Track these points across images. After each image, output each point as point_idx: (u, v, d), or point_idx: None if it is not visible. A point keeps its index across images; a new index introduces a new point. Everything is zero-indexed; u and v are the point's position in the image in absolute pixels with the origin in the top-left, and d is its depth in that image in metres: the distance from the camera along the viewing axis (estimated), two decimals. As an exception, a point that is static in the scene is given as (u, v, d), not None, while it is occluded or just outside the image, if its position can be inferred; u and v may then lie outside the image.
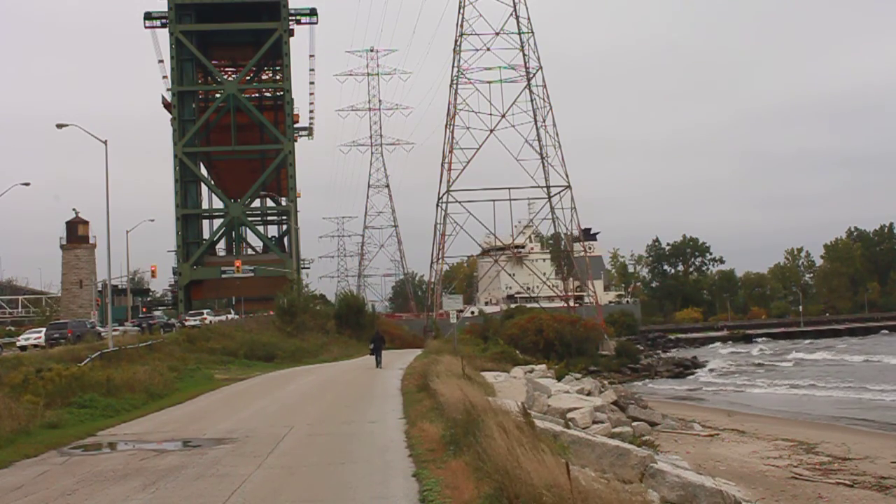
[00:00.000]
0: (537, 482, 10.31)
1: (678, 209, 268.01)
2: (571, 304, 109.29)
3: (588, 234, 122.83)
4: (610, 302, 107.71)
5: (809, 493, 22.31)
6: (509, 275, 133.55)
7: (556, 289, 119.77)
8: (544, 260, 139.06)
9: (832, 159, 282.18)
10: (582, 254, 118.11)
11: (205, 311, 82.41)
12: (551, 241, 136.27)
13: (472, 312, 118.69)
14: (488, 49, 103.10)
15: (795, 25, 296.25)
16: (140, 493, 14.10)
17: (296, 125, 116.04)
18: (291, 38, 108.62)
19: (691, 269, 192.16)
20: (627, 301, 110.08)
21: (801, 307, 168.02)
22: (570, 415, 28.83)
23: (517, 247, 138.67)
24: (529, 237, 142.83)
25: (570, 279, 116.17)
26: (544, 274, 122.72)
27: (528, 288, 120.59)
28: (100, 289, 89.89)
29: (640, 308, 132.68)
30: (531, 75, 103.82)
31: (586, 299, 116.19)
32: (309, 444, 18.78)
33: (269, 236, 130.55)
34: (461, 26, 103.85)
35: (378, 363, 41.86)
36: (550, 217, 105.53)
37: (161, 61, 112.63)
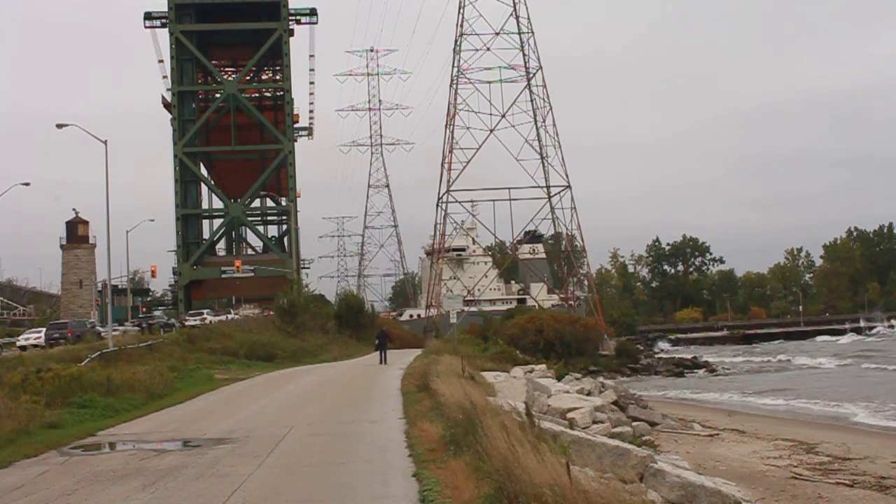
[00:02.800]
0: (538, 482, 10.31)
1: (678, 209, 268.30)
2: (569, 304, 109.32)
3: (534, 237, 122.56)
4: (553, 305, 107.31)
5: (809, 493, 22.29)
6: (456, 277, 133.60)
7: (499, 291, 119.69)
8: (486, 263, 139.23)
9: (832, 159, 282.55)
10: (528, 256, 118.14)
11: (205, 311, 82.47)
12: (494, 247, 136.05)
13: (411, 315, 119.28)
14: (488, 49, 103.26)
15: (793, 24, 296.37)
16: (140, 493, 14.09)
17: (296, 125, 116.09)
18: (291, 38, 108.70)
19: (691, 269, 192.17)
20: (571, 304, 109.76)
21: (801, 307, 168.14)
22: (570, 415, 28.83)
23: (457, 249, 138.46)
24: (472, 239, 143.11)
25: (570, 279, 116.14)
26: (485, 276, 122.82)
27: (470, 291, 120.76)
28: (100, 289, 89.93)
29: (585, 310, 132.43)
30: (531, 75, 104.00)
31: (529, 302, 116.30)
32: (309, 444, 18.78)
33: (269, 236, 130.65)
34: (461, 26, 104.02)
35: (383, 359, 44.16)
36: (551, 217, 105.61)
37: (161, 61, 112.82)
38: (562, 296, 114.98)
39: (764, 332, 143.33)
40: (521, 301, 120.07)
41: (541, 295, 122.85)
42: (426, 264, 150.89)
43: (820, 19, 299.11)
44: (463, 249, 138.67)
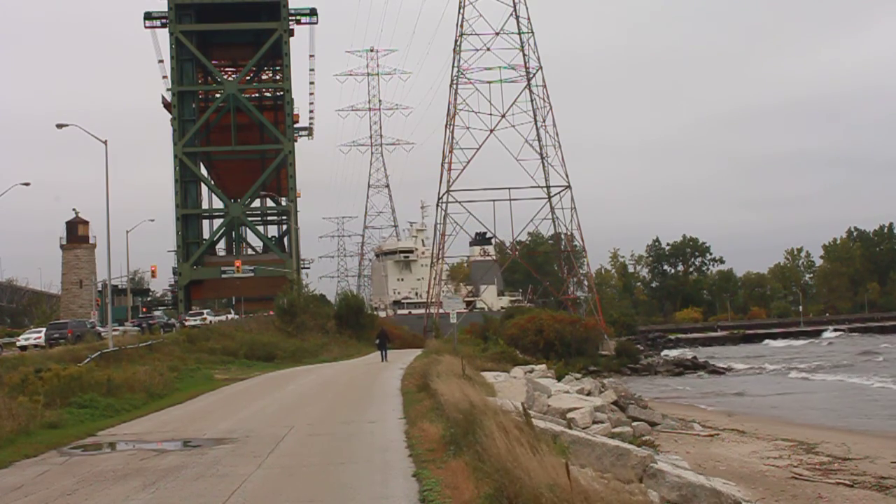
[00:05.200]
0: (537, 482, 10.31)
1: (678, 209, 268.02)
2: (571, 304, 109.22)
3: (483, 238, 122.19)
4: (502, 308, 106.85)
5: (809, 493, 22.29)
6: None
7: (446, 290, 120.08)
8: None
9: (832, 158, 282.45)
10: (478, 258, 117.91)
11: (205, 311, 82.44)
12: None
13: None
14: (488, 49, 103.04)
15: (792, 21, 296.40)
16: (140, 493, 14.10)
17: (296, 125, 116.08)
18: (291, 38, 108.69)
19: (691, 270, 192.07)
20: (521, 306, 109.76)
21: (801, 307, 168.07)
22: (570, 415, 28.84)
23: (404, 251, 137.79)
24: (422, 241, 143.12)
25: (570, 279, 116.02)
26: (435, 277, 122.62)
27: (417, 293, 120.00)
28: (100, 289, 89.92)
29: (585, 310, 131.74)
30: (531, 75, 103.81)
31: (478, 304, 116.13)
32: (309, 444, 18.79)
33: (269, 236, 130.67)
34: (461, 26, 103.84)
35: (384, 357, 47.39)
36: (551, 217, 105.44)
37: (161, 61, 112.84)
38: (515, 298, 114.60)
39: (764, 332, 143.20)
40: (469, 303, 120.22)
41: (491, 297, 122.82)
42: (377, 266, 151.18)
43: (814, 19, 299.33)
44: (411, 251, 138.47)
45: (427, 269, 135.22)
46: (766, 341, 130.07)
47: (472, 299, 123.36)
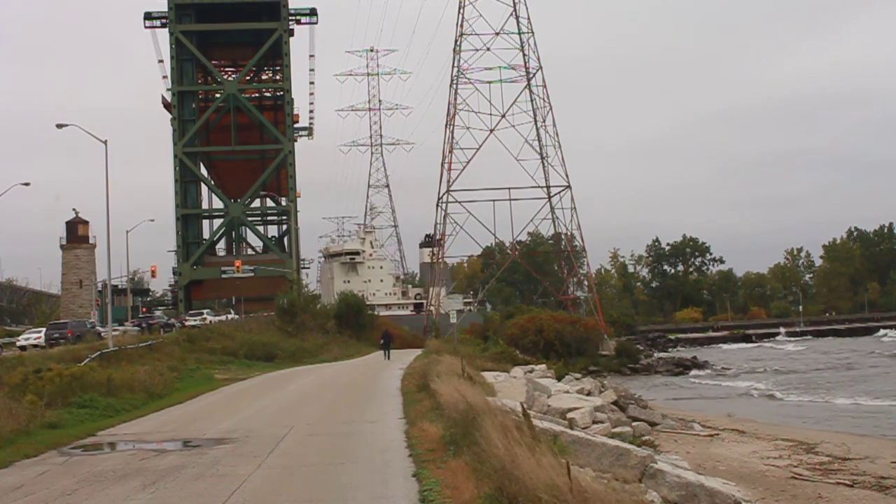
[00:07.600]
0: (536, 482, 10.31)
1: (678, 209, 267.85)
2: (568, 305, 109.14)
3: (437, 241, 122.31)
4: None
5: (809, 493, 22.29)
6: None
7: (395, 296, 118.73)
8: (381, 267, 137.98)
9: (832, 158, 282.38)
10: (429, 261, 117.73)
11: (205, 311, 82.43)
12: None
13: None
14: (488, 49, 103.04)
15: (791, 21, 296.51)
16: (140, 493, 14.10)
17: (296, 125, 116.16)
18: (291, 38, 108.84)
19: (691, 270, 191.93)
20: (471, 309, 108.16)
21: (801, 307, 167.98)
22: (569, 415, 28.83)
23: (350, 252, 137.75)
24: (370, 243, 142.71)
25: (570, 279, 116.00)
26: (381, 281, 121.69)
27: (363, 295, 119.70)
28: (100, 289, 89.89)
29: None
30: (531, 75, 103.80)
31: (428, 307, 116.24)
32: (309, 443, 18.79)
33: (269, 236, 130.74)
34: (461, 26, 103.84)
35: (387, 356, 50.08)
36: (551, 217, 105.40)
37: (161, 61, 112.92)
38: (467, 300, 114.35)
39: (763, 331, 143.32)
40: (419, 306, 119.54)
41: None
42: (325, 268, 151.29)
43: (813, 18, 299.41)
44: (357, 253, 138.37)
45: (373, 271, 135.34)
46: (720, 345, 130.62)
47: (420, 301, 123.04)
